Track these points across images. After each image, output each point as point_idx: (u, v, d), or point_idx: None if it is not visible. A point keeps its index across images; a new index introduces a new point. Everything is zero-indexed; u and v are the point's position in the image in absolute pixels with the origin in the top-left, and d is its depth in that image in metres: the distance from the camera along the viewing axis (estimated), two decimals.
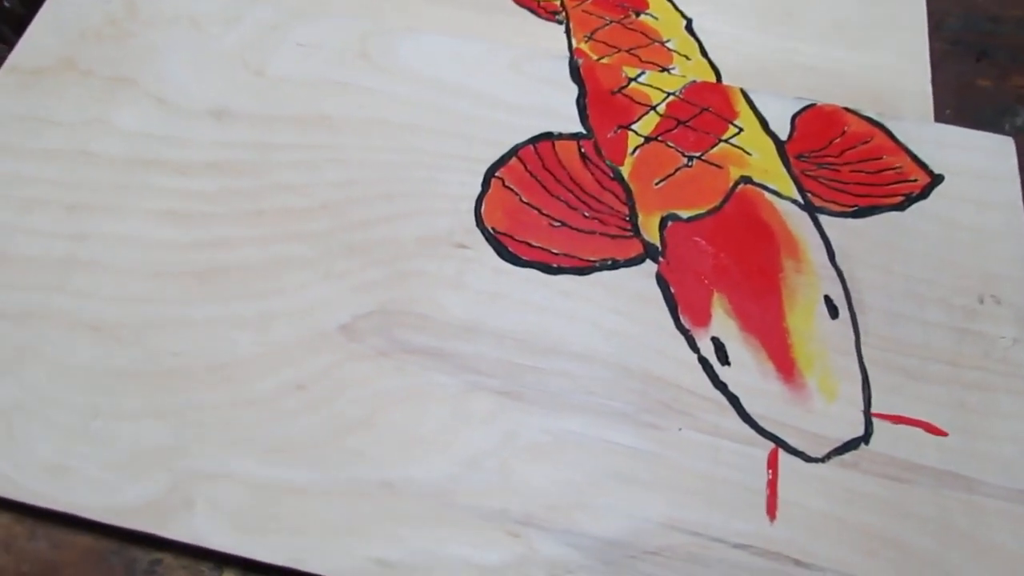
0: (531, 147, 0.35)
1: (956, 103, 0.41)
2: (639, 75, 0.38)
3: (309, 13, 0.39)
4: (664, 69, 0.40)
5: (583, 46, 0.41)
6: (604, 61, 0.40)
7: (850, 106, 0.38)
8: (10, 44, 0.38)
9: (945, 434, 0.30)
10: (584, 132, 0.36)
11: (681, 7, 0.42)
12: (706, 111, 0.37)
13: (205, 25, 0.38)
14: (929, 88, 0.40)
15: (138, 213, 0.33)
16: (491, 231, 0.33)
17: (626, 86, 0.37)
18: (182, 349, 0.31)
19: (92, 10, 0.39)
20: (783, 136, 0.36)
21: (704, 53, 0.41)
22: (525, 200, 0.34)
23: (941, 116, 0.39)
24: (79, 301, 0.32)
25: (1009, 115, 0.41)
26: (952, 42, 0.43)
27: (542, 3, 0.42)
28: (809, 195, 0.35)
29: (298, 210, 0.34)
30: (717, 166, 0.35)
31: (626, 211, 0.34)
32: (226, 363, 0.30)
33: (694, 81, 0.38)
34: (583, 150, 0.35)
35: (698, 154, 0.35)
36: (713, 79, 0.40)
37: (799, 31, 0.41)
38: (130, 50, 0.38)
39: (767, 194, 0.35)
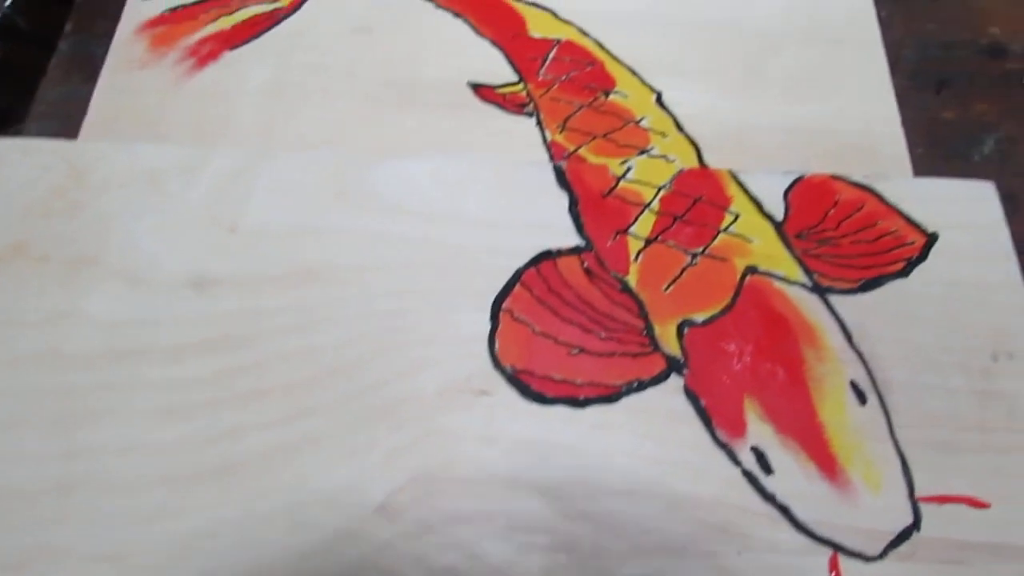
0: (533, 270, 0.34)
1: (925, 140, 0.41)
2: (626, 172, 0.37)
3: (271, 151, 0.37)
4: (643, 151, 0.39)
5: (558, 137, 0.39)
6: (583, 150, 0.39)
7: (831, 161, 0.38)
8: None
9: (987, 505, 0.31)
10: (583, 244, 0.35)
11: (647, 81, 0.41)
12: (700, 201, 0.36)
13: (163, 183, 0.36)
14: (900, 130, 0.40)
15: (132, 416, 0.31)
16: (510, 371, 0.32)
17: (616, 186, 0.36)
18: (209, 567, 0.29)
19: (33, 182, 0.36)
20: (779, 216, 0.36)
21: (679, 127, 0.40)
22: (538, 331, 0.33)
23: (914, 156, 0.40)
24: (84, 531, 0.29)
25: (976, 145, 0.41)
26: (911, 76, 0.43)
27: (508, 96, 0.41)
28: (815, 275, 0.34)
29: (304, 381, 0.32)
30: (722, 259, 0.35)
31: (641, 325, 0.33)
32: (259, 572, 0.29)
33: (682, 170, 0.37)
34: (586, 264, 0.34)
35: (700, 249, 0.35)
36: (693, 155, 0.39)
37: (765, 89, 0.41)
38: (84, 223, 0.35)
39: (775, 282, 0.34)
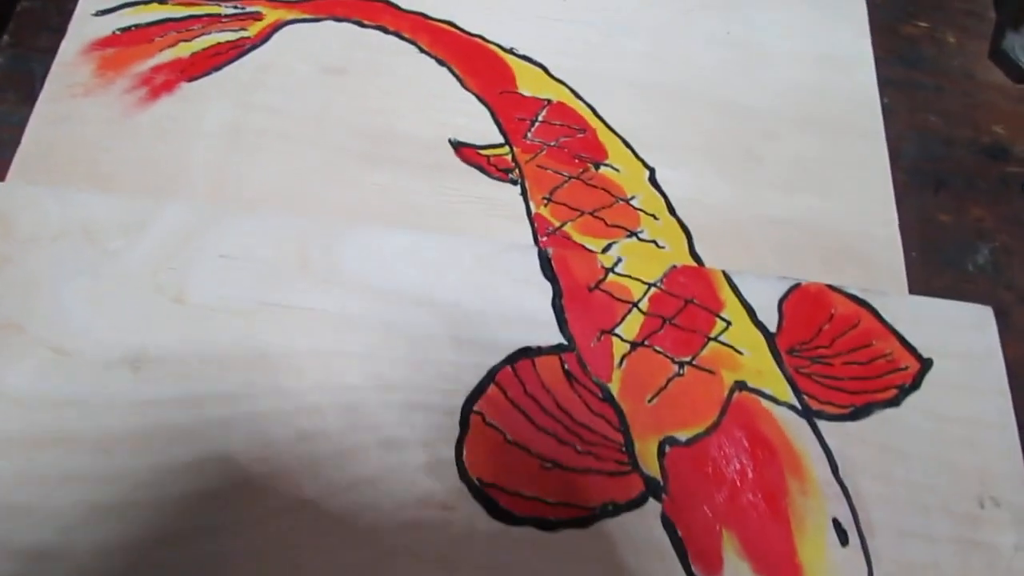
0: (509, 368, 0.32)
1: (920, 244, 0.40)
2: (616, 264, 0.34)
3: (230, 211, 0.33)
4: (632, 233, 0.37)
5: (543, 210, 0.37)
6: (568, 227, 0.36)
7: (824, 261, 0.36)
8: None
9: None
10: (565, 343, 0.32)
11: (640, 154, 0.39)
12: (691, 303, 0.34)
13: (102, 239, 0.32)
14: (897, 234, 0.39)
15: (52, 515, 0.28)
16: (477, 483, 0.30)
17: (604, 279, 0.34)
18: None
19: None
20: (772, 326, 0.34)
21: (671, 210, 0.38)
22: (511, 439, 0.30)
23: (908, 259, 0.38)
24: None
25: (971, 252, 0.40)
26: (910, 172, 0.42)
27: (492, 159, 0.38)
28: (805, 397, 0.33)
29: (249, 484, 0.29)
30: (710, 371, 0.33)
31: (621, 440, 0.31)
32: None
33: (674, 267, 0.34)
34: (567, 367, 0.32)
35: (688, 359, 0.33)
36: (683, 242, 0.37)
37: (762, 174, 0.39)
38: (7, 282, 0.31)
39: (763, 401, 0.32)
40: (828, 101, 0.42)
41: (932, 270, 0.39)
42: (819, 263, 0.37)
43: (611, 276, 0.34)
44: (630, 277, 0.34)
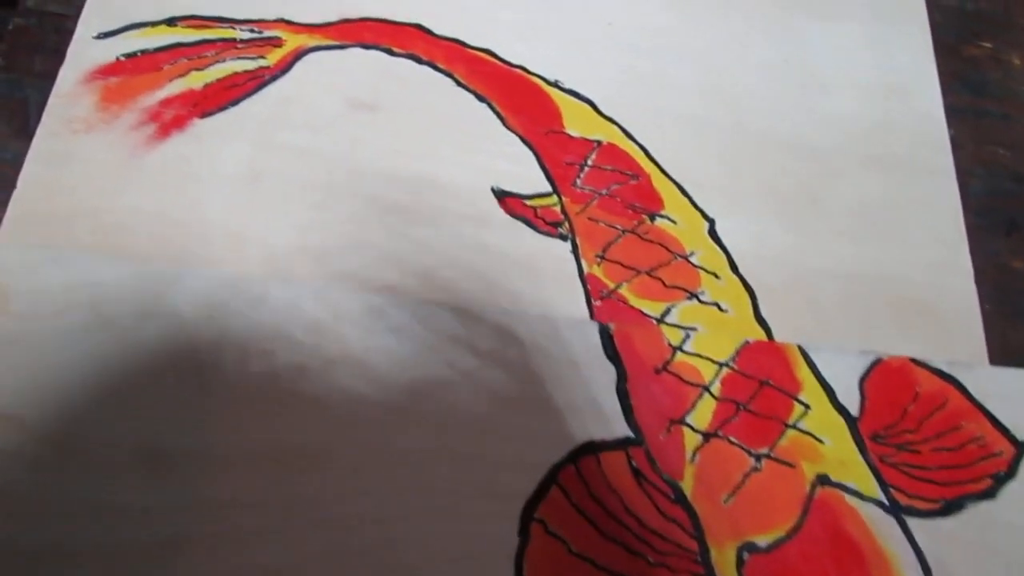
0: (572, 467, 0.28)
1: (993, 295, 0.37)
2: (684, 341, 0.31)
3: (256, 281, 0.29)
4: (692, 295, 0.33)
5: (596, 270, 0.33)
6: (624, 289, 0.33)
7: (895, 317, 0.33)
8: None
9: None
10: (631, 435, 0.29)
11: (697, 201, 0.35)
12: (767, 385, 0.30)
13: (112, 315, 0.28)
14: (972, 286, 0.36)
15: None
16: None
17: (671, 360, 0.31)
18: None
19: None
20: (853, 408, 0.31)
21: (733, 266, 0.34)
22: (575, 551, 0.27)
23: (981, 311, 0.35)
24: None
25: None
26: (980, 213, 0.38)
27: (539, 211, 0.34)
28: (892, 490, 0.30)
29: None
30: (789, 465, 0.30)
31: (696, 548, 0.28)
32: None
33: (747, 343, 0.31)
34: (634, 463, 0.29)
35: (766, 450, 0.30)
36: (747, 302, 0.34)
37: (825, 221, 0.36)
38: (7, 366, 0.27)
39: (848, 497, 0.29)
40: (892, 135, 0.38)
41: (1008, 324, 0.36)
42: (890, 321, 0.34)
43: (679, 355, 0.31)
44: (699, 356, 0.31)
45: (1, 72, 0.35)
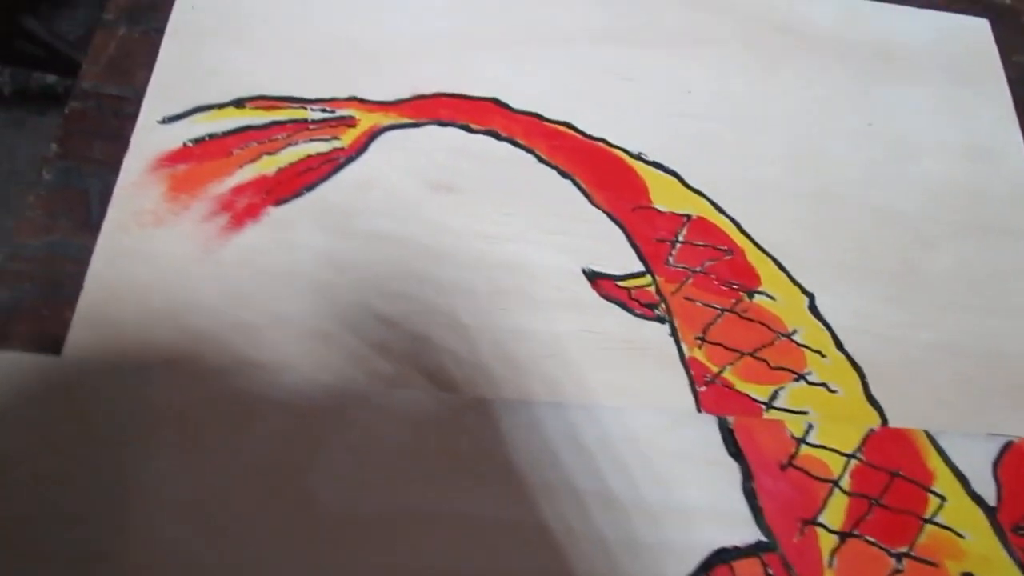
0: None
1: None
2: (807, 431, 0.29)
3: (364, 393, 0.27)
4: (799, 376, 0.31)
5: (697, 354, 0.31)
6: (728, 373, 0.31)
7: (1011, 393, 0.32)
8: None
9: None
10: (764, 539, 0.27)
11: (794, 275, 0.34)
12: (898, 476, 0.29)
13: (200, 433, 0.26)
14: None
15: None
16: None
17: (796, 453, 0.29)
18: None
19: None
20: (990, 497, 0.29)
21: (838, 343, 0.33)
22: None
23: None
24: None
25: None
26: None
27: (634, 293, 0.32)
28: None
29: None
30: (932, 564, 0.28)
31: None
32: None
33: (872, 431, 0.29)
34: (770, 571, 0.27)
35: (906, 549, 0.28)
36: (856, 382, 0.32)
37: (926, 291, 0.35)
38: (78, 490, 0.25)
39: None
40: (984, 198, 0.37)
41: None
42: (1008, 399, 0.32)
43: (804, 447, 0.29)
44: (825, 448, 0.29)
45: (58, 160, 0.33)
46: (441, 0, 0.37)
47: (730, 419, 0.29)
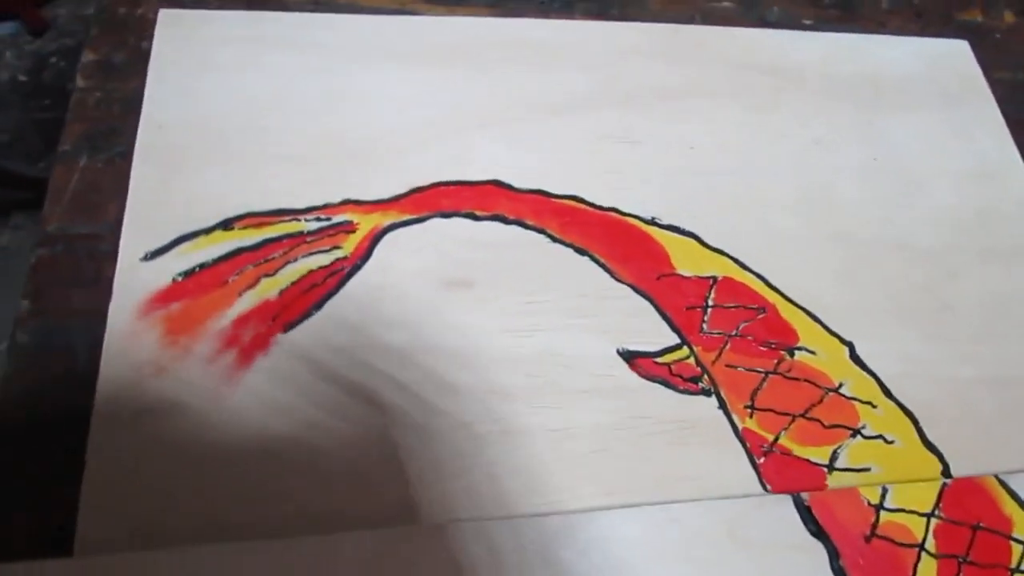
0: None
1: None
2: (883, 496, 0.28)
3: (409, 533, 0.25)
4: (855, 431, 0.31)
5: (750, 423, 0.30)
6: (784, 439, 0.30)
7: None
8: None
9: None
10: None
11: (830, 325, 0.33)
12: (980, 529, 0.28)
13: None
14: None
15: None
16: None
17: (877, 522, 0.28)
18: None
19: None
20: None
21: (886, 391, 0.32)
22: None
23: None
24: None
25: None
26: None
27: (674, 368, 0.31)
28: None
29: None
30: None
31: None
32: None
33: (945, 485, 0.29)
34: None
35: None
36: (911, 430, 0.31)
37: (959, 326, 0.34)
38: None
39: None
40: (999, 222, 0.37)
41: None
42: None
43: (884, 514, 0.28)
44: (904, 511, 0.28)
45: (32, 319, 0.30)
46: (424, 87, 0.35)
47: (804, 496, 0.28)
